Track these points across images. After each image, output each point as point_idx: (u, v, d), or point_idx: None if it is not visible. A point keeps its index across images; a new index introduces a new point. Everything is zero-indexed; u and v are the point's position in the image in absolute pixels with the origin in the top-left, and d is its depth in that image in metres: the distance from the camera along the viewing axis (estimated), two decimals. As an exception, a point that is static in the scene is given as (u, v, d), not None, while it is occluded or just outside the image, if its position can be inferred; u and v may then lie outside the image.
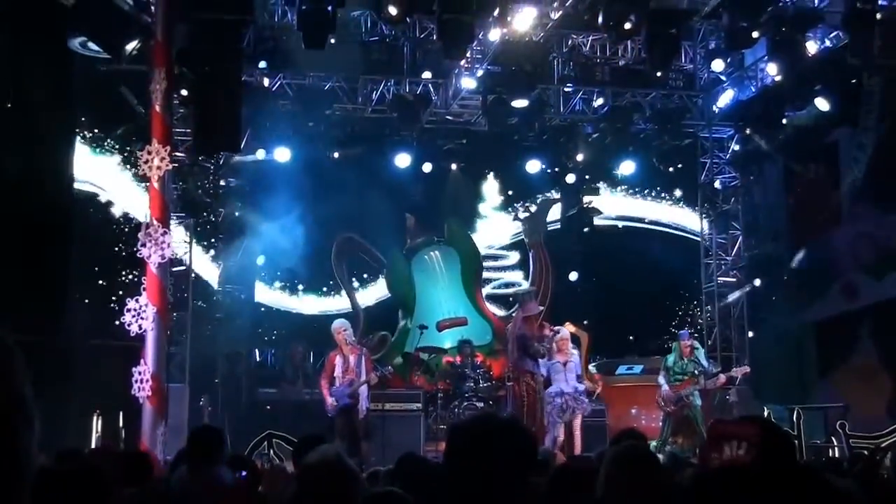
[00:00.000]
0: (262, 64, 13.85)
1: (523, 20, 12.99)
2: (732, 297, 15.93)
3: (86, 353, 13.20)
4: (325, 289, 16.68)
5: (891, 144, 14.33)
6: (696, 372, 12.75)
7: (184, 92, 12.40)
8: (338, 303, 16.71)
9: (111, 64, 11.53)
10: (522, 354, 13.23)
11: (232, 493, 5.14)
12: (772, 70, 14.22)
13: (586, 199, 16.05)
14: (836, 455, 11.35)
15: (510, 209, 17.95)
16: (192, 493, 5.13)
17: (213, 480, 5.18)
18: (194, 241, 14.01)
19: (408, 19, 13.10)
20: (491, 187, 17.39)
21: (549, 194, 17.31)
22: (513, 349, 13.39)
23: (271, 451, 10.75)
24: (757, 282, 16.08)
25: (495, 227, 17.91)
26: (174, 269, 12.41)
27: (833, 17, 12.88)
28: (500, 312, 17.04)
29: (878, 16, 12.12)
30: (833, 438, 11.92)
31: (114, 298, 13.81)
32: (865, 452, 10.46)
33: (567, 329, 13.17)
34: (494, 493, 2.27)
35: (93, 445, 11.28)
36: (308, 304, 16.97)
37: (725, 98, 15.93)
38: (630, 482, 3.30)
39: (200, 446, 5.46)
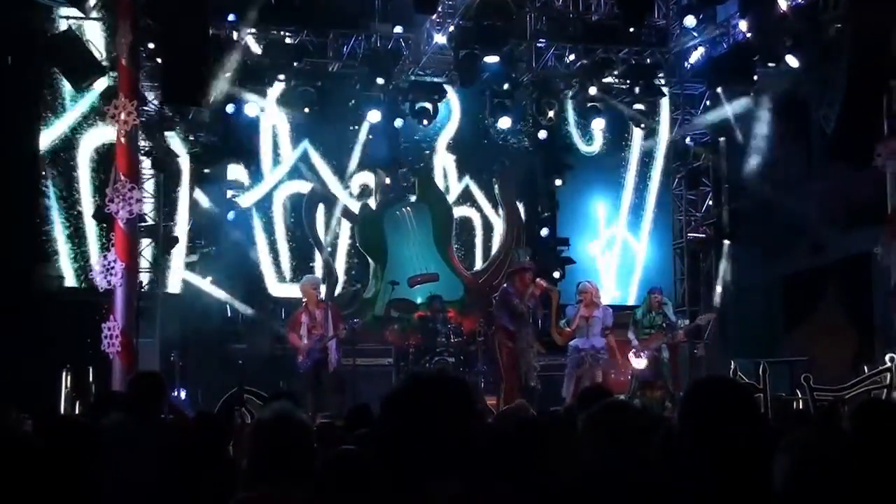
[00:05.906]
0: (231, 17, 13.69)
1: (495, -26, 12.92)
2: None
3: (56, 308, 13.12)
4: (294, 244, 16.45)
5: (859, 99, 14.36)
6: (663, 325, 12.93)
7: (150, 45, 12.27)
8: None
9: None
10: (501, 309, 13.37)
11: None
12: (743, 26, 14.22)
13: None
14: (801, 407, 11.50)
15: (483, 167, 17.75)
16: (129, 438, 5.15)
17: (152, 426, 5.24)
18: (163, 196, 13.91)
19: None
20: (462, 144, 17.22)
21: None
22: (497, 304, 13.60)
23: (243, 408, 10.75)
24: (726, 242, 16.18)
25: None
26: (143, 224, 12.33)
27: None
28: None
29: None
30: (798, 391, 12.06)
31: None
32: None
33: (587, 285, 13.39)
34: (429, 444, 2.31)
35: (62, 401, 11.26)
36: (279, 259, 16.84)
37: (697, 54, 15.92)
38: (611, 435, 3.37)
39: (140, 392, 5.51)
